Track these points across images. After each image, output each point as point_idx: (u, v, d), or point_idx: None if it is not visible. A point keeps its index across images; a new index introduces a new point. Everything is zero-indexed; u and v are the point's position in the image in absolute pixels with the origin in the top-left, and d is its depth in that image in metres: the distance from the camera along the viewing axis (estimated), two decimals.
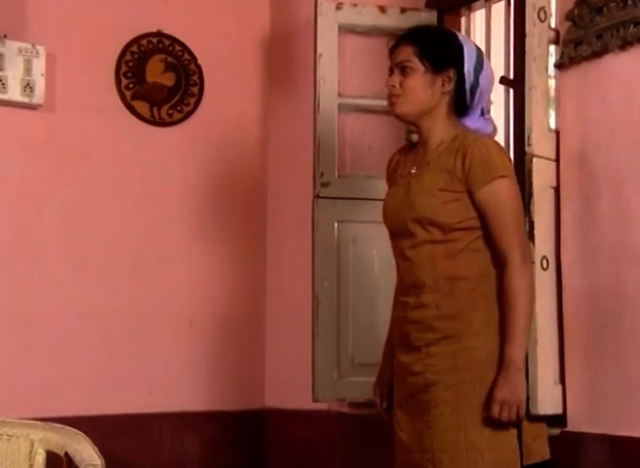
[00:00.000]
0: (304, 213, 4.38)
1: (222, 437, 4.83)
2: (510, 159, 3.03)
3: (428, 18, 4.26)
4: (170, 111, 4.83)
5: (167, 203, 4.80)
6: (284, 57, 4.97)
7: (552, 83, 3.72)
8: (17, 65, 4.39)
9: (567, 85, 3.62)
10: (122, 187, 4.71)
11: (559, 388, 3.53)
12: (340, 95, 4.35)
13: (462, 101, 3.00)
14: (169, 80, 4.84)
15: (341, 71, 4.38)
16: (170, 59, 4.85)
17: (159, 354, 4.73)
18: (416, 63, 2.96)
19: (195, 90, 4.89)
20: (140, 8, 4.79)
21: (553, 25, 3.68)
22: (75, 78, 4.63)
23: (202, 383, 4.81)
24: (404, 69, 2.97)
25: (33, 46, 4.43)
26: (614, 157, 3.43)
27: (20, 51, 4.40)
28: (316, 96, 4.30)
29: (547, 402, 3.41)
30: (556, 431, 3.46)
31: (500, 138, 4.08)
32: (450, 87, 2.97)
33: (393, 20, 4.27)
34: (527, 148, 3.52)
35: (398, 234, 3.00)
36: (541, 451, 2.98)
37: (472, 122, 3.03)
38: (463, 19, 4.37)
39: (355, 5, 4.36)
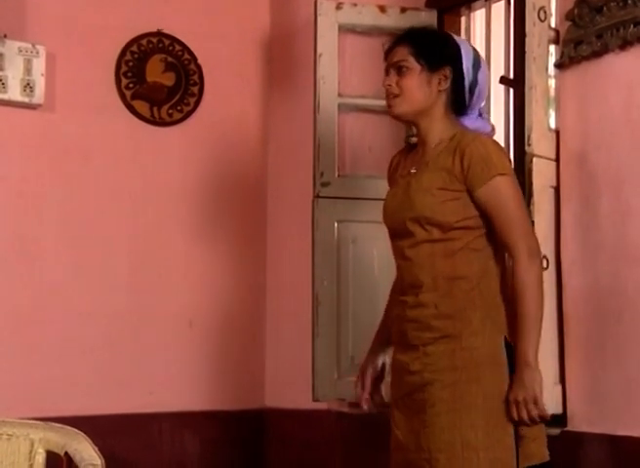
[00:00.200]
0: (304, 212, 4.38)
1: (222, 437, 4.83)
2: (509, 157, 3.04)
3: (428, 17, 4.26)
4: (170, 111, 4.83)
5: (167, 203, 4.80)
6: (284, 57, 4.97)
7: (552, 83, 3.72)
8: (17, 65, 4.39)
9: (567, 85, 3.62)
10: (122, 187, 4.71)
11: (559, 388, 3.53)
12: (339, 94, 4.36)
13: (461, 100, 3.01)
14: (169, 80, 4.84)
15: (341, 71, 4.38)
16: (170, 59, 4.85)
17: (159, 354, 4.73)
18: (412, 63, 2.96)
19: (195, 90, 4.89)
20: (140, 8, 4.79)
21: (553, 25, 3.69)
22: (75, 78, 4.63)
23: (202, 383, 4.81)
24: (400, 69, 2.98)
25: (33, 46, 4.43)
26: (614, 157, 3.43)
27: (20, 50, 4.40)
28: (316, 95, 4.30)
29: (547, 402, 3.38)
30: (556, 431, 3.46)
31: (499, 138, 4.08)
32: (446, 85, 2.98)
33: (393, 20, 4.27)
34: (527, 148, 3.53)
35: (398, 234, 3.00)
36: (541, 453, 2.97)
37: (471, 122, 3.04)
38: (463, 19, 4.38)
39: (355, 5, 4.37)
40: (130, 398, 4.63)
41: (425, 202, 2.91)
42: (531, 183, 3.48)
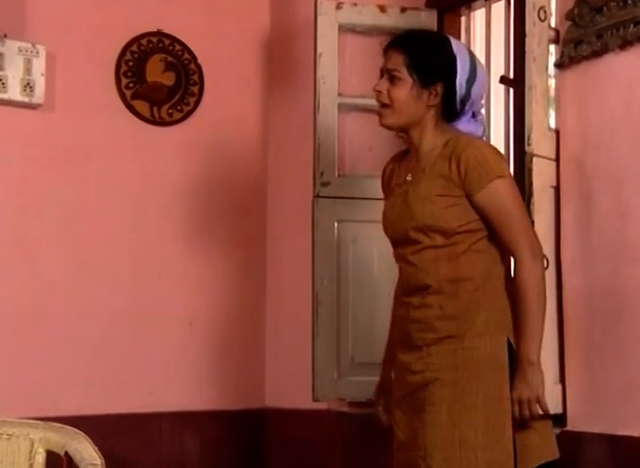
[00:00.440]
0: (304, 212, 4.38)
1: (223, 436, 4.83)
2: (505, 159, 3.04)
3: (428, 17, 4.26)
4: (170, 111, 4.83)
5: (167, 202, 4.80)
6: (284, 56, 4.97)
7: (552, 82, 3.72)
8: (17, 65, 4.39)
9: (567, 84, 3.62)
10: (122, 187, 4.71)
11: (559, 388, 3.53)
12: (340, 94, 4.36)
13: (452, 109, 3.01)
14: (169, 79, 4.84)
15: (341, 71, 4.38)
16: (170, 59, 4.85)
17: (159, 354, 4.73)
18: (404, 75, 2.96)
19: (195, 89, 4.89)
20: (140, 8, 4.79)
21: (553, 25, 3.69)
22: (75, 78, 4.63)
23: (202, 383, 4.81)
24: (392, 78, 2.97)
25: (33, 45, 4.43)
26: (614, 156, 3.43)
27: (20, 50, 4.40)
28: (316, 95, 4.30)
29: (547, 401, 3.39)
30: (556, 431, 3.45)
31: (499, 138, 4.10)
32: (436, 101, 2.97)
33: (393, 20, 4.27)
34: (527, 148, 3.53)
35: (400, 242, 3.01)
36: (551, 451, 2.97)
37: (463, 125, 3.04)
38: (463, 19, 4.38)
39: (355, 4, 4.36)
40: (130, 398, 4.63)
41: (426, 210, 2.91)
42: (531, 183, 3.49)
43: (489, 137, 4.09)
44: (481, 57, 4.18)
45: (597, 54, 3.48)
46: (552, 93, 3.73)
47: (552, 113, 3.72)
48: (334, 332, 4.26)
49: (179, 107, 4.85)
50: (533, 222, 3.43)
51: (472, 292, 2.89)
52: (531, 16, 3.55)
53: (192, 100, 4.88)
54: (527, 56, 3.55)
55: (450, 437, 2.82)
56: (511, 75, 3.85)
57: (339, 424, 4.51)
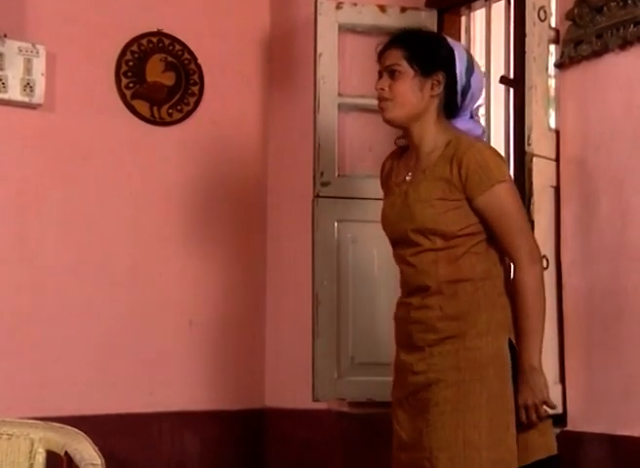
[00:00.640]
0: (304, 212, 4.38)
1: (223, 436, 4.83)
2: (505, 162, 3.04)
3: (428, 17, 4.26)
4: (170, 111, 4.83)
5: (167, 202, 4.80)
6: (284, 56, 4.97)
7: (552, 82, 3.72)
8: (17, 65, 4.39)
9: (567, 84, 3.62)
10: (122, 187, 4.71)
11: (559, 388, 3.53)
12: (339, 94, 4.36)
13: (453, 103, 3.00)
14: (169, 79, 4.84)
15: (341, 71, 4.38)
16: (170, 59, 4.84)
17: (159, 354, 4.73)
18: (405, 67, 2.96)
19: (195, 89, 4.89)
20: (139, 8, 4.79)
21: (553, 25, 3.68)
22: (75, 78, 4.63)
23: (202, 383, 4.81)
24: (393, 73, 2.97)
25: (33, 45, 4.43)
26: (614, 156, 3.43)
27: (21, 50, 4.40)
28: (316, 95, 4.30)
29: None
30: (556, 431, 3.45)
31: (499, 138, 4.10)
32: (439, 90, 2.98)
33: (393, 20, 4.27)
34: (527, 148, 3.53)
35: (399, 243, 3.01)
36: (548, 447, 2.98)
37: (462, 123, 3.04)
38: (463, 19, 4.38)
39: (355, 4, 4.36)
40: (130, 398, 4.63)
41: (426, 213, 2.91)
42: (531, 183, 3.49)
43: (489, 138, 4.09)
44: (481, 57, 4.20)
45: (597, 54, 3.48)
46: (552, 93, 3.72)
47: (552, 113, 3.72)
48: (334, 332, 4.26)
49: (179, 107, 4.85)
50: (533, 222, 3.43)
51: (472, 293, 2.90)
52: (531, 16, 3.55)
53: (192, 100, 4.88)
54: (527, 56, 3.55)
55: (454, 437, 2.83)
56: (511, 75, 3.85)
57: (339, 424, 4.51)
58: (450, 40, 3.07)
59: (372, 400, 4.24)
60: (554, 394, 3.47)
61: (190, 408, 4.76)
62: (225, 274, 4.91)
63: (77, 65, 4.64)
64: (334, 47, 4.34)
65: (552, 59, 3.67)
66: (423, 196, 2.92)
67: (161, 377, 4.72)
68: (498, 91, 4.12)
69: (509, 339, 2.91)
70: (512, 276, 2.96)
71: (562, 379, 3.55)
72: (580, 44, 3.54)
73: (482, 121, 3.28)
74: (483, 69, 3.78)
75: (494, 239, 2.93)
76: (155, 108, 4.80)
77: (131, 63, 4.77)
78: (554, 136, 3.63)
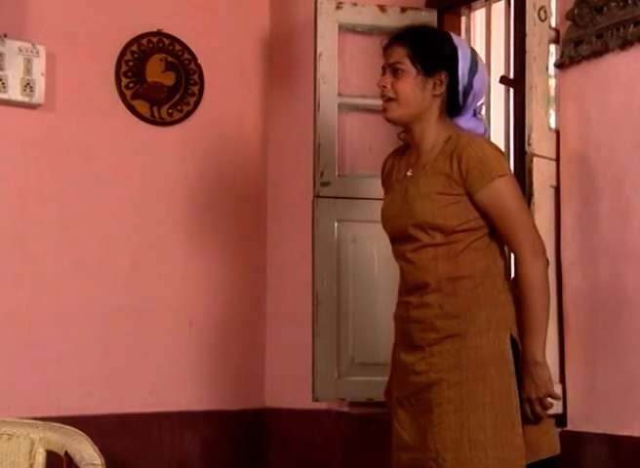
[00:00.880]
0: (304, 212, 4.38)
1: (223, 436, 4.83)
2: (506, 157, 3.04)
3: (428, 17, 4.26)
4: (170, 111, 4.83)
5: (167, 202, 4.80)
6: (284, 56, 4.97)
7: (552, 82, 3.72)
8: (17, 65, 4.39)
9: (567, 84, 3.62)
10: (122, 187, 4.71)
11: (559, 388, 3.52)
12: (339, 94, 4.36)
13: (456, 102, 3.01)
14: (169, 79, 4.84)
15: (341, 71, 4.38)
16: (170, 59, 4.84)
17: (159, 353, 4.73)
18: (407, 66, 2.96)
19: (195, 89, 4.89)
20: (139, 8, 4.79)
21: (553, 25, 3.68)
22: (75, 78, 4.63)
23: (202, 383, 4.81)
24: (395, 71, 2.98)
25: (33, 45, 4.43)
26: (614, 156, 3.43)
27: (21, 50, 4.40)
28: (316, 95, 4.30)
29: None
30: (556, 430, 3.45)
31: (499, 138, 4.10)
32: (441, 90, 2.98)
33: (393, 20, 4.27)
34: (527, 148, 3.53)
35: (399, 239, 3.01)
36: (551, 447, 2.98)
37: (465, 122, 3.04)
38: (463, 19, 4.38)
39: (355, 4, 4.36)
40: (130, 397, 4.63)
41: (426, 208, 2.91)
42: (531, 183, 3.48)
43: (489, 137, 4.09)
44: (481, 57, 4.19)
45: (597, 54, 3.48)
46: (552, 93, 3.72)
47: (552, 113, 3.72)
48: (334, 332, 4.26)
49: (179, 107, 4.85)
50: None
51: (472, 291, 2.90)
52: (531, 15, 3.55)
53: (192, 100, 4.88)
54: (527, 55, 3.55)
55: (459, 438, 2.83)
56: (511, 75, 3.85)
57: (339, 424, 4.51)
58: (455, 38, 3.06)
59: (372, 400, 4.24)
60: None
61: (190, 408, 4.76)
62: (225, 274, 4.91)
63: (77, 65, 4.64)
64: (334, 47, 4.34)
65: (552, 59, 3.67)
66: (423, 191, 2.93)
67: (161, 377, 4.72)
68: (498, 91, 4.12)
69: (511, 335, 2.91)
70: (515, 270, 2.97)
71: (562, 379, 3.54)
72: (580, 44, 3.54)
73: None
74: None
75: (496, 234, 2.94)
76: (155, 108, 4.80)
77: (131, 63, 4.76)
78: (554, 135, 3.62)
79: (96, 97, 4.68)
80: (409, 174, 3.01)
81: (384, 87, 2.99)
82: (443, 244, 2.91)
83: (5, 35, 4.40)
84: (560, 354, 3.55)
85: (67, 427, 2.64)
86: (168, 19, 4.84)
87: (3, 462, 2.61)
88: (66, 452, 2.56)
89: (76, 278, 4.58)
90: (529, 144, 3.53)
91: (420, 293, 2.94)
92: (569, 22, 3.59)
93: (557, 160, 3.62)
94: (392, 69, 2.98)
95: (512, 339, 2.91)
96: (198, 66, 4.90)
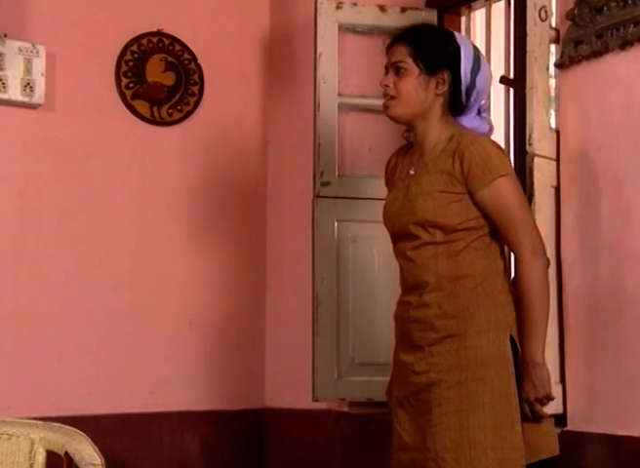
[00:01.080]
0: (304, 212, 4.38)
1: (222, 436, 4.83)
2: (508, 157, 3.04)
3: (428, 17, 4.26)
4: (170, 111, 4.83)
5: (167, 202, 4.80)
6: (284, 56, 4.97)
7: (552, 82, 3.72)
8: (17, 65, 4.39)
9: (567, 84, 3.62)
10: (122, 187, 4.71)
11: (559, 388, 3.53)
12: (339, 94, 4.36)
13: (458, 102, 3.01)
14: (169, 79, 4.84)
15: (341, 71, 4.38)
16: (170, 59, 4.84)
17: (159, 353, 4.73)
18: (410, 64, 2.97)
19: (195, 89, 4.89)
20: (139, 8, 4.79)
21: (554, 25, 3.68)
22: (75, 78, 4.63)
23: (202, 383, 4.81)
24: (398, 70, 2.98)
25: (33, 45, 4.43)
26: (614, 156, 3.43)
27: (21, 50, 4.40)
28: (316, 95, 4.30)
29: None
30: (556, 430, 3.45)
31: (500, 138, 4.09)
32: (444, 89, 2.98)
33: (393, 20, 4.27)
34: (528, 148, 3.53)
35: (400, 236, 3.01)
36: (550, 448, 2.98)
37: (468, 121, 3.04)
38: (463, 19, 4.38)
39: (355, 4, 4.36)
40: (130, 398, 4.63)
41: (427, 205, 2.91)
42: (532, 183, 3.48)
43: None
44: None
45: (597, 54, 3.48)
46: (552, 93, 3.72)
47: (552, 113, 3.72)
48: (334, 332, 4.26)
49: (179, 107, 4.85)
50: None
51: (471, 290, 2.90)
52: (532, 15, 3.55)
53: (192, 100, 4.88)
54: (528, 55, 3.55)
55: (459, 438, 2.83)
56: (511, 75, 3.85)
57: (339, 424, 4.51)
58: (458, 36, 3.07)
59: (372, 400, 4.24)
60: (555, 394, 3.46)
61: (190, 408, 4.76)
62: (225, 274, 4.91)
63: (77, 65, 4.64)
64: (334, 47, 4.34)
65: (552, 59, 3.66)
66: (425, 189, 2.93)
67: (161, 377, 4.72)
68: (498, 91, 4.12)
69: (510, 336, 2.91)
70: (515, 270, 2.97)
71: (562, 379, 3.54)
72: (581, 44, 3.54)
73: None
74: None
75: (497, 234, 2.94)
76: (155, 108, 4.80)
77: (131, 63, 4.76)
78: (555, 135, 3.62)
79: (96, 97, 4.68)
80: (411, 172, 3.02)
81: (387, 86, 2.99)
82: (443, 242, 2.91)
83: (5, 35, 4.40)
84: (560, 354, 3.55)
85: (67, 427, 2.64)
86: (168, 19, 4.84)
87: (3, 462, 2.61)
88: (66, 452, 2.56)
89: (76, 278, 4.58)
90: (530, 144, 3.53)
91: (420, 293, 2.94)
92: (569, 22, 3.59)
93: (557, 160, 3.62)
94: (395, 68, 2.99)
95: (512, 340, 2.91)
96: (198, 66, 4.90)
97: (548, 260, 3.00)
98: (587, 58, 3.52)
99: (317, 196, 4.30)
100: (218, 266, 4.89)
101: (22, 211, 4.51)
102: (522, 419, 2.89)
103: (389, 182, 3.15)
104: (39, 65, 4.43)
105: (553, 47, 3.67)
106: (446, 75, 2.97)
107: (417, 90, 2.97)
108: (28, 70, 4.41)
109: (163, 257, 4.78)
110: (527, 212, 2.97)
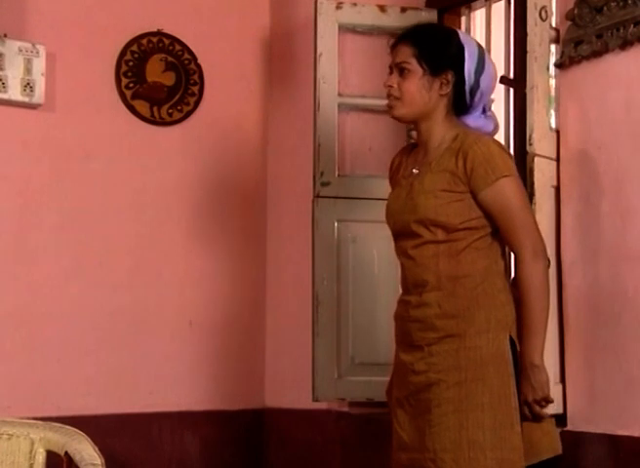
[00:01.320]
0: (304, 212, 4.38)
1: (223, 436, 4.83)
2: (512, 157, 3.04)
3: (428, 17, 4.26)
4: (170, 111, 4.83)
5: (167, 202, 4.80)
6: (284, 56, 4.97)
7: (552, 82, 3.72)
8: (17, 65, 4.39)
9: (567, 84, 3.62)
10: (122, 187, 4.71)
11: (559, 388, 3.53)
12: (339, 94, 4.36)
13: (462, 102, 3.01)
14: (169, 79, 4.84)
15: (341, 71, 4.38)
16: (170, 59, 4.84)
17: (159, 353, 4.73)
18: (414, 65, 2.97)
19: (195, 89, 4.89)
20: (139, 8, 4.79)
21: (554, 25, 3.68)
22: (75, 78, 4.63)
23: (202, 383, 4.81)
24: (402, 71, 2.98)
25: (33, 45, 4.43)
26: (614, 156, 3.43)
27: (21, 50, 4.40)
28: (316, 95, 4.30)
29: None
30: (557, 430, 3.46)
31: (500, 138, 4.09)
32: (448, 89, 2.98)
33: (393, 20, 4.27)
34: (529, 148, 3.53)
35: (401, 235, 3.01)
36: (552, 447, 2.98)
37: (473, 120, 3.04)
38: (463, 19, 4.38)
39: (355, 4, 4.36)
40: (130, 398, 4.63)
41: (429, 204, 2.91)
42: (532, 183, 3.48)
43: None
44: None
45: (597, 54, 3.48)
46: (552, 93, 3.72)
47: (552, 113, 3.72)
48: (334, 332, 4.26)
49: (179, 107, 4.85)
50: None
51: (471, 290, 2.90)
52: (532, 15, 3.55)
53: (192, 100, 4.88)
54: (528, 55, 3.55)
55: (458, 438, 2.83)
56: (511, 75, 3.85)
57: (339, 424, 4.51)
58: (462, 36, 3.06)
59: (372, 400, 4.24)
60: (555, 394, 3.47)
61: (190, 408, 4.76)
62: (225, 274, 4.91)
63: (77, 65, 4.64)
64: (334, 47, 4.34)
65: (553, 59, 3.66)
66: (428, 187, 2.93)
67: (161, 377, 4.72)
68: (498, 91, 4.12)
69: (510, 336, 2.90)
70: (515, 271, 2.97)
71: (562, 379, 3.54)
72: (581, 44, 3.54)
73: None
74: None
75: (498, 234, 2.94)
76: (155, 108, 4.80)
77: (131, 63, 4.76)
78: (555, 135, 3.62)
79: (96, 97, 4.68)
80: (415, 171, 3.02)
81: (391, 86, 2.99)
82: (444, 241, 2.91)
83: (5, 35, 4.40)
84: (560, 354, 3.55)
85: (67, 427, 2.64)
86: (168, 19, 4.84)
87: (3, 462, 2.61)
88: (66, 452, 2.56)
89: (76, 278, 4.58)
90: (530, 144, 3.53)
91: (420, 292, 2.94)
92: (569, 22, 3.59)
93: (557, 160, 3.62)
94: (399, 69, 2.99)
95: (511, 340, 2.91)
96: (198, 66, 4.90)
97: (549, 260, 3.00)
98: (587, 58, 3.52)
99: (317, 196, 4.30)
100: (218, 266, 4.89)
101: (22, 211, 4.51)
102: (523, 419, 2.88)
103: (393, 180, 3.15)
104: (39, 65, 4.43)
105: (553, 47, 3.67)
106: (450, 76, 2.97)
107: (420, 91, 2.97)
108: (28, 70, 4.41)
109: (163, 257, 4.78)
110: (529, 212, 2.97)
